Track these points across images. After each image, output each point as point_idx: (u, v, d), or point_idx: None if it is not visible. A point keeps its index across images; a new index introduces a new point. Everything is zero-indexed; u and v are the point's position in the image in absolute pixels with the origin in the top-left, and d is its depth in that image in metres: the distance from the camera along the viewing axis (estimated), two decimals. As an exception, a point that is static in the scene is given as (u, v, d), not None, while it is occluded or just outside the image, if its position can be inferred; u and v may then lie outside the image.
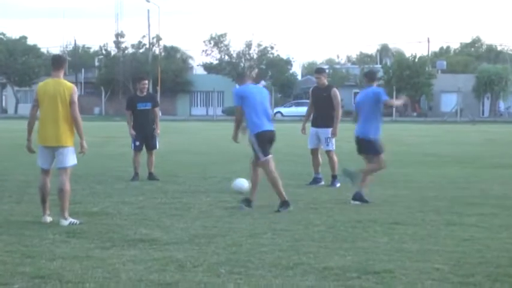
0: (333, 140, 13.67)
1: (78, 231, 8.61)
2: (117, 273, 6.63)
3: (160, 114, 14.84)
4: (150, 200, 11.45)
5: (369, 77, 11.89)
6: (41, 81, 9.59)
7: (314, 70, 15.38)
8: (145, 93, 14.70)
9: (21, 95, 79.94)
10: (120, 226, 9.01)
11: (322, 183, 13.61)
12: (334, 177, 13.52)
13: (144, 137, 14.58)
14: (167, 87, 75.58)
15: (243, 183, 12.09)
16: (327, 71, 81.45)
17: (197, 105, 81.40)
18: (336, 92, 13.65)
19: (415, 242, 8.12)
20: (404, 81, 70.98)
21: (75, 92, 9.35)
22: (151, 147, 14.64)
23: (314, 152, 13.80)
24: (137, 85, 14.83)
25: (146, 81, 14.94)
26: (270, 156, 10.54)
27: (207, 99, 79.43)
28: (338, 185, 13.29)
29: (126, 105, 14.76)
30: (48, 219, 9.36)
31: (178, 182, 13.99)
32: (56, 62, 9.52)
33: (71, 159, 9.35)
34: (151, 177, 14.31)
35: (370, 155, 11.43)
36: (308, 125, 14.03)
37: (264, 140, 10.54)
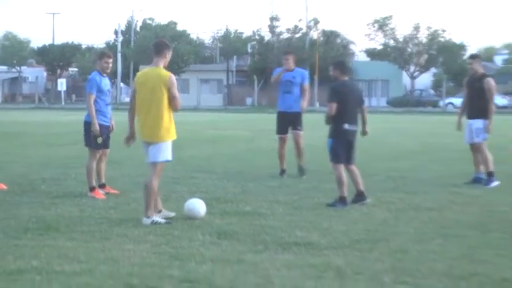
0: (483, 132, 13.43)
1: (230, 232, 8.78)
2: (270, 279, 6.71)
3: None
4: (306, 199, 11.52)
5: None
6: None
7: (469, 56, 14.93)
8: None
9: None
10: (273, 228, 9.11)
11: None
12: (489, 174, 13.27)
13: None
14: (326, 76, 75.41)
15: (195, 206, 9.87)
16: (501, 57, 79.01)
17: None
18: (490, 83, 13.40)
19: None
20: None
21: (173, 83, 9.31)
22: None
23: (472, 147, 13.71)
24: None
25: None
26: None
27: (369, 89, 78.91)
28: (494, 184, 13.04)
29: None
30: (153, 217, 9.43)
31: (337, 180, 13.97)
32: (156, 48, 9.49)
33: (162, 154, 9.44)
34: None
35: None
36: (464, 119, 13.88)
37: None
